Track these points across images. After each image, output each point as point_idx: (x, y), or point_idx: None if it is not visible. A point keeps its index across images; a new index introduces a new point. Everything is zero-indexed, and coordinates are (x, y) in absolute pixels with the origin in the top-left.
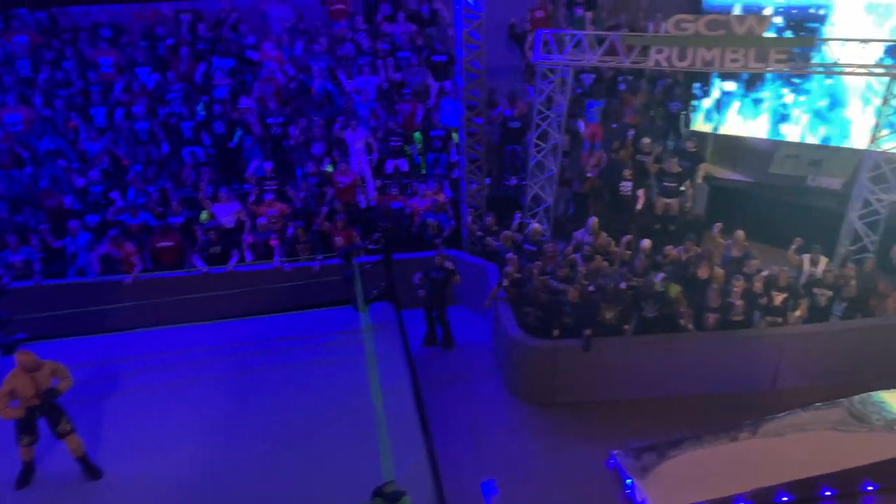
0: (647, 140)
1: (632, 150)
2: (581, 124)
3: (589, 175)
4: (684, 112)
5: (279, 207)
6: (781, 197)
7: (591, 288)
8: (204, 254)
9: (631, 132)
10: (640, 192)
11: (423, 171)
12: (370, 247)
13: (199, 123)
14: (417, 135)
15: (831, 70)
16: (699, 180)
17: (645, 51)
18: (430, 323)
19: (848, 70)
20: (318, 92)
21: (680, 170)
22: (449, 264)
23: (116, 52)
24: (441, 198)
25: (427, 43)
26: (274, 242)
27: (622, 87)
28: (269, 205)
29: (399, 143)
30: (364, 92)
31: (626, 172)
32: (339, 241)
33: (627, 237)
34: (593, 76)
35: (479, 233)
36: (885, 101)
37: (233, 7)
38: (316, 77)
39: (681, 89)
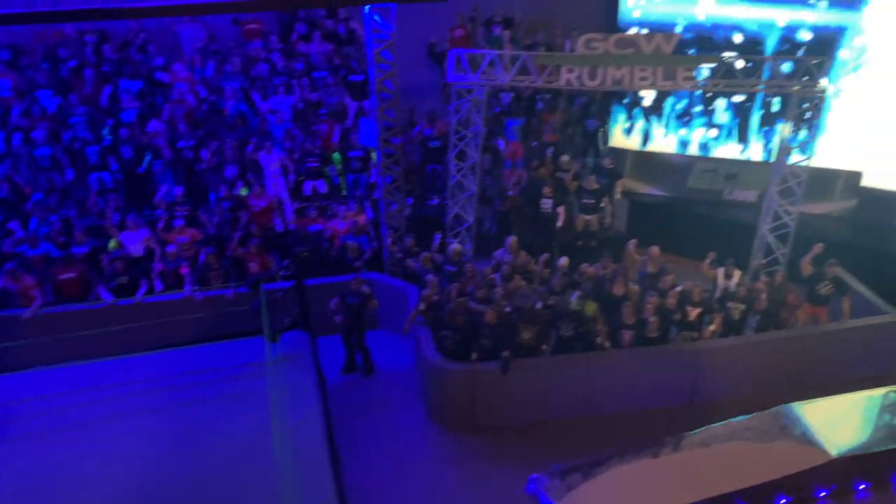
0: (565, 157)
1: (551, 167)
2: (501, 143)
3: (510, 193)
4: (602, 129)
5: (190, 234)
6: (700, 211)
7: (508, 308)
8: (110, 284)
9: (550, 150)
10: (561, 210)
11: (344, 193)
12: (281, 273)
13: (106, 148)
14: (336, 155)
15: (737, 87)
16: (618, 196)
17: (557, 70)
18: (348, 349)
19: (754, 87)
20: (230, 113)
21: (598, 186)
22: (365, 289)
23: (16, 74)
24: (362, 219)
25: (344, 62)
26: (185, 270)
27: (539, 105)
28: (179, 231)
29: (317, 165)
30: (279, 112)
31: (546, 190)
32: (253, 267)
33: (545, 255)
34: (511, 95)
35: (398, 255)
36: (790, 117)
37: (141, 27)
38: (229, 98)
39: (597, 107)
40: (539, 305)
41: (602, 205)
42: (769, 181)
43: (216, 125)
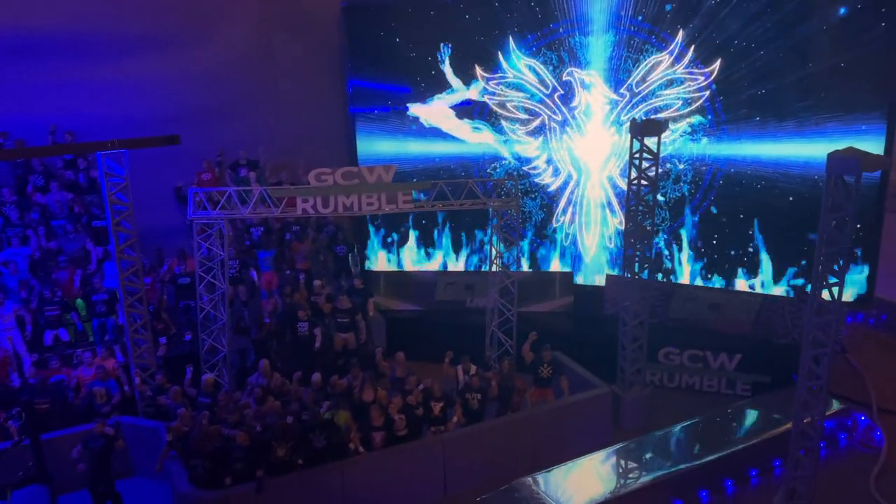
0: (318, 282)
1: (306, 292)
2: (254, 274)
3: (266, 321)
4: (352, 254)
5: None
6: (447, 320)
7: (258, 428)
8: None
9: (302, 276)
10: (317, 331)
11: (91, 339)
12: (10, 423)
13: None
14: (80, 301)
15: (448, 206)
16: (371, 313)
17: (294, 201)
18: (97, 500)
19: (462, 205)
20: None
21: (351, 305)
22: (109, 430)
23: None
24: (110, 364)
25: (86, 210)
26: None
27: (287, 236)
28: None
29: (57, 313)
30: (13, 264)
31: (301, 314)
32: None
33: (297, 374)
34: (262, 229)
35: (149, 393)
36: (495, 229)
37: None
38: None
39: (343, 235)
40: (289, 420)
41: (357, 322)
42: (490, 286)
43: None
